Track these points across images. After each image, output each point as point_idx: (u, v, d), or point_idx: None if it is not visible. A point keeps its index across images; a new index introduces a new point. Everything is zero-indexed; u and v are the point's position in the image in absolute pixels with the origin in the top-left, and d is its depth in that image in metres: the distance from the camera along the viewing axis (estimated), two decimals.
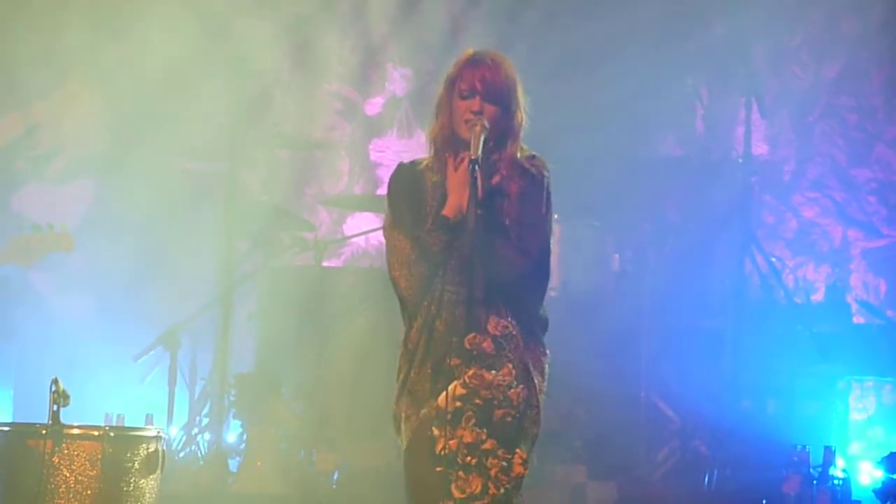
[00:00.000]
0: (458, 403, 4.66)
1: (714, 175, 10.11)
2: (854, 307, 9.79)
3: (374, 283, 8.37)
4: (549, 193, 4.92)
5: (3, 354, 9.03)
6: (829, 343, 9.03)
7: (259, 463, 8.12)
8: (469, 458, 4.65)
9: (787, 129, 10.38)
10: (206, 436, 8.61)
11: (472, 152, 4.76)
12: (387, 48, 10.81)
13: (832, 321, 9.35)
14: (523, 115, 4.93)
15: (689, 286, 9.70)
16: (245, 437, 8.24)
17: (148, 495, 5.73)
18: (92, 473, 5.61)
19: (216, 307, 8.87)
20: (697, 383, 9.04)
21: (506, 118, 4.89)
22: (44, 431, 5.58)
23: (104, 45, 9.51)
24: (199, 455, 8.48)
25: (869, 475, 8.39)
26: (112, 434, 5.68)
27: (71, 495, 5.59)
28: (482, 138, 4.78)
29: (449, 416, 4.66)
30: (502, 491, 4.67)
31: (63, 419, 5.59)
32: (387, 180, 5.08)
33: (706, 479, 8.55)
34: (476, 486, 4.65)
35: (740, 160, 9.50)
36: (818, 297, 9.95)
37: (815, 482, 7.88)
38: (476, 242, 4.77)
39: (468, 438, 4.65)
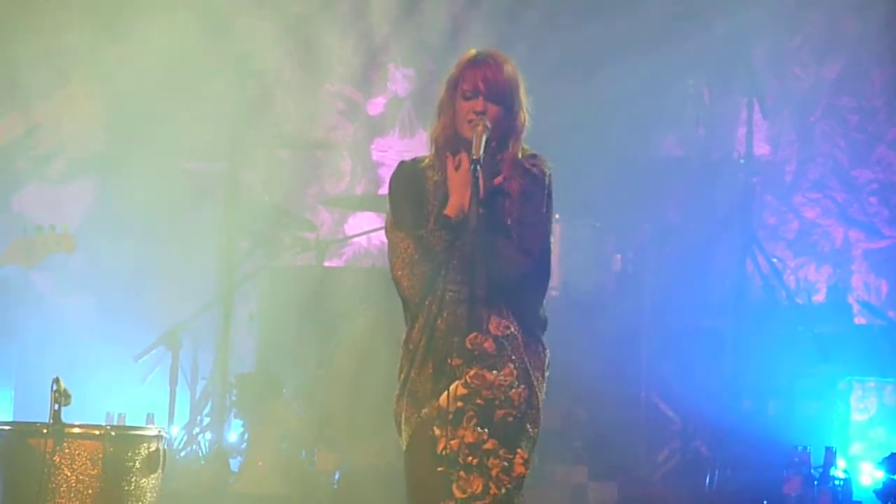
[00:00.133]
0: (460, 403, 4.66)
1: (715, 175, 10.11)
2: (855, 308, 9.79)
3: (376, 283, 8.36)
4: (550, 193, 4.92)
5: (4, 354, 9.02)
6: (831, 344, 9.03)
7: (260, 462, 8.12)
8: (470, 458, 4.65)
9: (789, 129, 10.38)
10: (208, 435, 8.61)
11: (473, 152, 4.75)
12: (388, 48, 10.81)
13: (833, 322, 9.34)
14: (526, 116, 4.92)
15: (689, 286, 9.69)
16: (246, 436, 8.24)
17: (149, 494, 5.73)
18: (93, 472, 5.61)
19: (217, 307, 8.86)
20: (698, 384, 9.03)
21: (508, 118, 4.89)
22: (45, 430, 5.59)
23: (104, 46, 9.49)
24: (201, 454, 8.49)
25: (870, 476, 8.39)
26: (113, 433, 5.69)
27: (72, 494, 5.59)
28: (484, 138, 4.78)
29: (450, 416, 4.65)
30: (503, 491, 4.67)
31: (64, 418, 5.59)
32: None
33: (707, 480, 8.54)
34: (477, 486, 4.64)
35: (742, 161, 9.51)
36: (819, 297, 9.95)
37: (815, 483, 7.88)
38: (478, 242, 4.76)
39: (469, 438, 4.64)
